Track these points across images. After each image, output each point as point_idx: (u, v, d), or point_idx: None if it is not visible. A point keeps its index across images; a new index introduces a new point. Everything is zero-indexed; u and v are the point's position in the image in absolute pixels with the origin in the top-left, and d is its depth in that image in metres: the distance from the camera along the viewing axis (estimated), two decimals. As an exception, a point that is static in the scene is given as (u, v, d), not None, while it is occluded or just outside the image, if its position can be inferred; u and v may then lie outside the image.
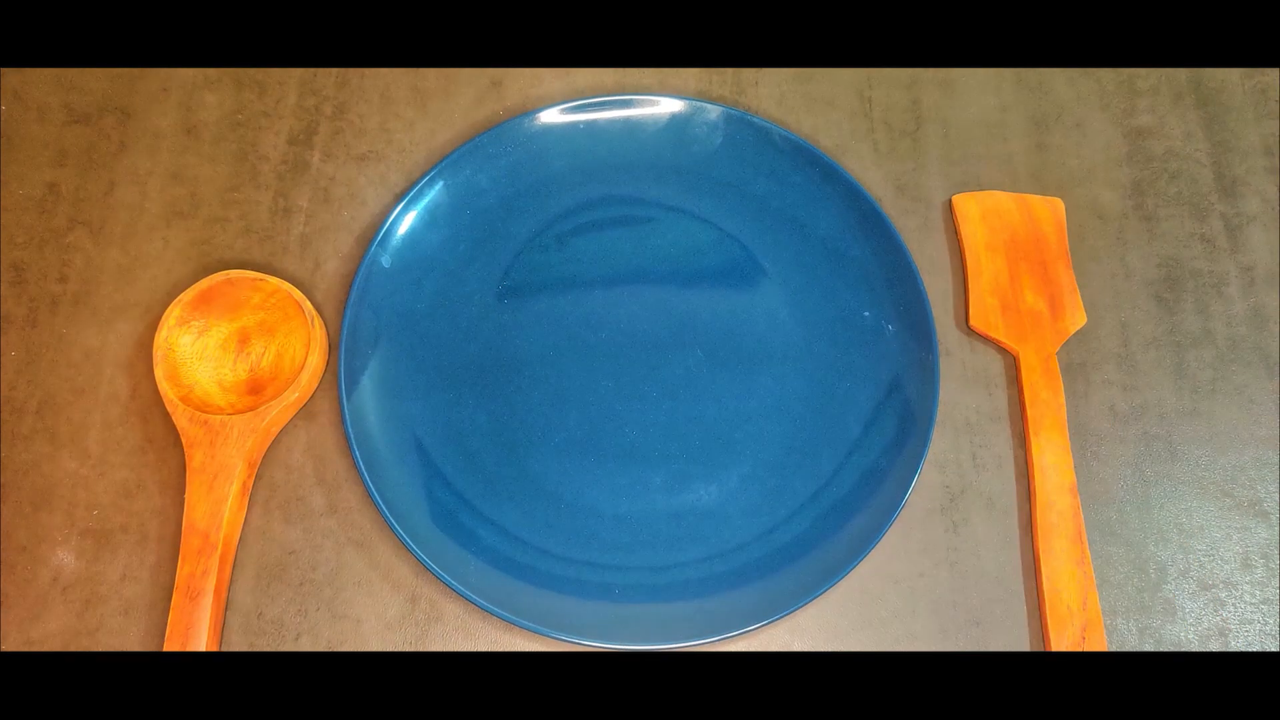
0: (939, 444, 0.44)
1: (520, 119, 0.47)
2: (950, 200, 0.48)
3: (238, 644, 0.40)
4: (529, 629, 0.39)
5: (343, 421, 0.42)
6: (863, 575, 0.42)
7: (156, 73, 0.50)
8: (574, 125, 0.48)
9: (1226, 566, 0.42)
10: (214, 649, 0.39)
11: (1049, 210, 0.47)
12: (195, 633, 0.38)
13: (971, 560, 0.42)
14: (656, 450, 0.43)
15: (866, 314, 0.45)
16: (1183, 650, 0.41)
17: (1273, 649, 0.41)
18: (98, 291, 0.45)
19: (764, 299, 0.46)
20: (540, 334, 0.45)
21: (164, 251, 0.46)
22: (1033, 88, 0.51)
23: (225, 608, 0.40)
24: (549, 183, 0.48)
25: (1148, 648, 0.41)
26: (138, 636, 0.40)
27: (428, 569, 0.40)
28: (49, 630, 0.40)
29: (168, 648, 0.38)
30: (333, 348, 0.44)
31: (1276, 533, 0.43)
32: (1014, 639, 0.41)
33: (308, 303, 0.43)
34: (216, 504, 0.40)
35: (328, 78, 0.50)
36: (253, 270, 0.44)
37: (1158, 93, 0.52)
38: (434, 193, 0.46)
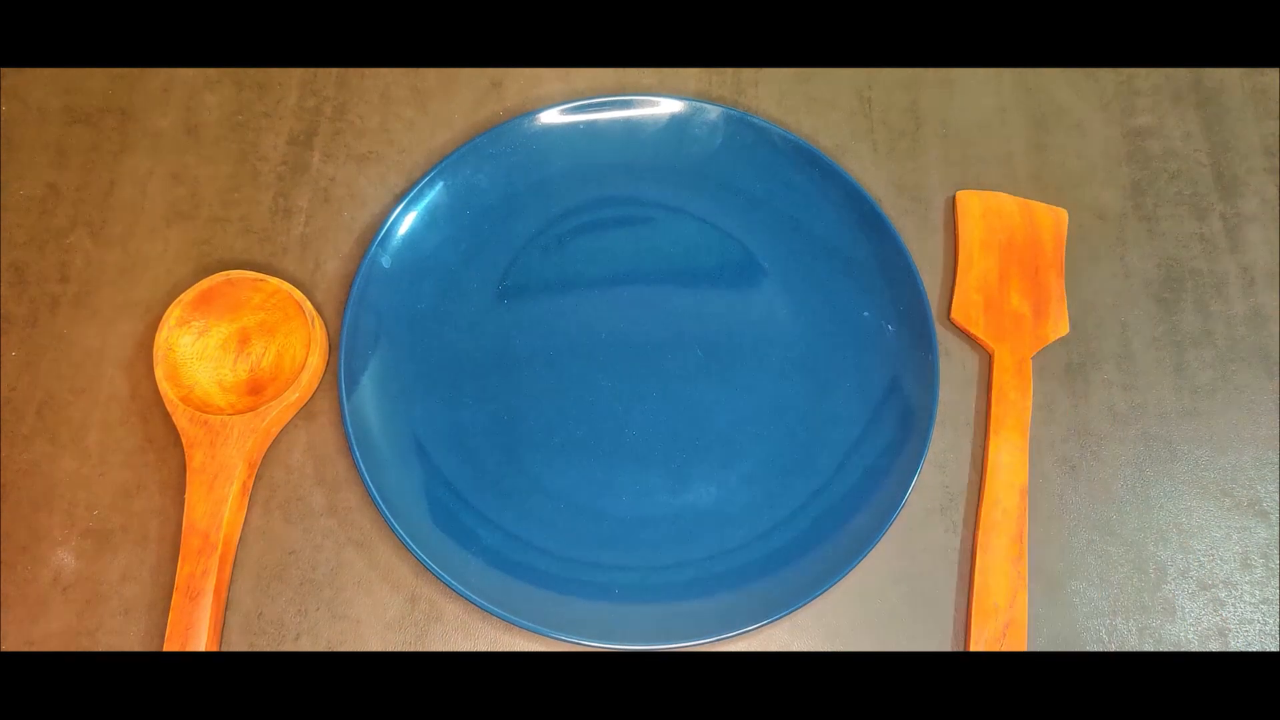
0: (939, 444, 0.44)
1: (520, 119, 0.47)
2: (954, 196, 0.48)
3: (238, 644, 0.40)
4: (529, 629, 0.39)
5: (343, 421, 0.42)
6: (863, 575, 0.42)
7: (157, 73, 0.50)
8: (574, 126, 0.48)
9: (1226, 566, 0.42)
10: (214, 649, 0.39)
11: (1051, 218, 0.48)
12: (195, 633, 0.38)
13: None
14: (656, 450, 0.43)
15: (866, 314, 0.46)
16: (1182, 650, 0.41)
17: (1272, 649, 0.41)
18: (98, 292, 0.45)
19: (764, 299, 0.46)
20: (540, 334, 0.45)
21: (164, 252, 0.46)
22: (1032, 88, 0.51)
23: (225, 608, 0.40)
24: (549, 183, 0.48)
25: (1147, 647, 0.41)
26: (138, 636, 0.40)
27: (427, 569, 0.40)
28: (49, 630, 0.40)
29: (168, 648, 0.38)
30: (333, 348, 0.45)
31: (1276, 533, 0.43)
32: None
33: (308, 303, 0.43)
34: (216, 504, 0.40)
35: (328, 78, 0.50)
36: (253, 271, 0.44)
37: (1158, 93, 0.52)
38: (434, 193, 0.46)
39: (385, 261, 0.45)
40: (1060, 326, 0.46)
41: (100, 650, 0.39)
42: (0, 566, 0.41)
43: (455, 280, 0.46)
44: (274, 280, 0.43)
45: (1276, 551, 0.43)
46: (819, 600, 0.41)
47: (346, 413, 0.42)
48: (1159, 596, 0.42)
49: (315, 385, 0.44)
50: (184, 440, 0.41)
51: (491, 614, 0.39)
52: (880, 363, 0.45)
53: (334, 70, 0.50)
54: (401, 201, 0.46)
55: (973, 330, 0.45)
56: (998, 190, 0.49)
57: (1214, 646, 0.41)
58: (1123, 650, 0.41)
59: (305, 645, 0.40)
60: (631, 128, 0.48)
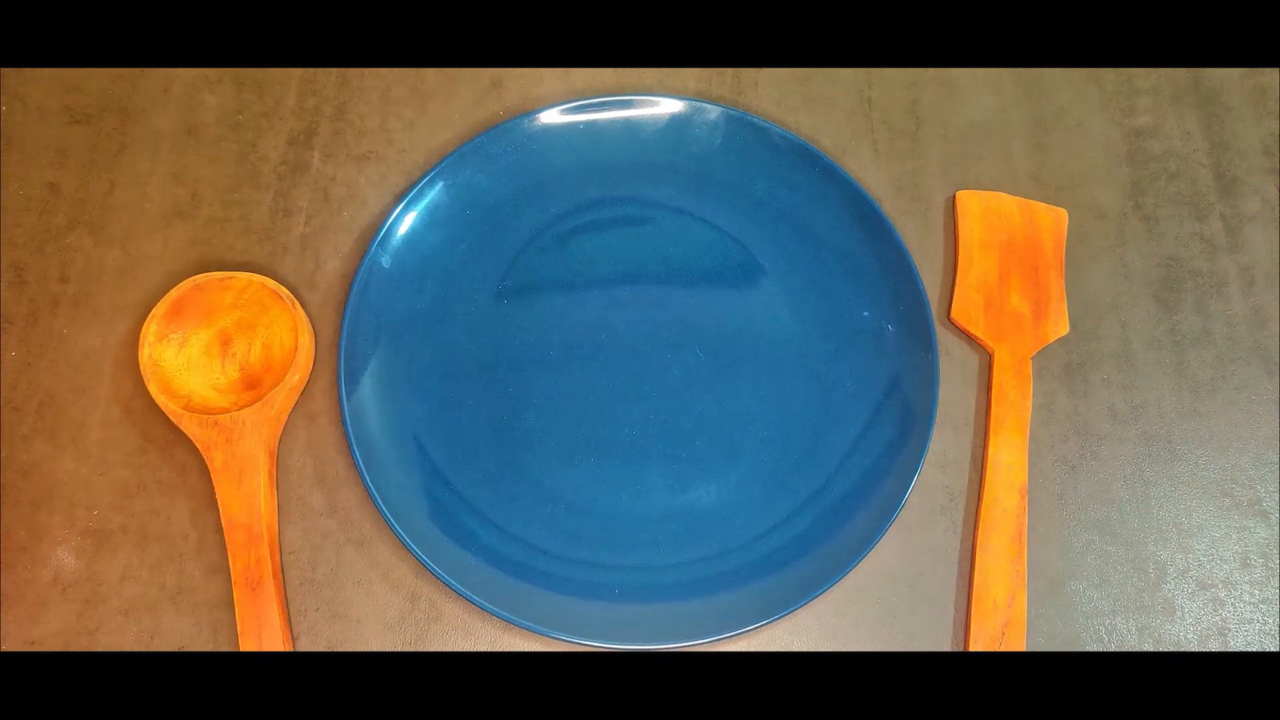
0: (939, 444, 0.44)
1: (520, 119, 0.47)
2: (954, 196, 0.48)
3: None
4: (528, 629, 0.39)
5: (343, 421, 0.42)
6: (863, 575, 0.42)
7: (157, 73, 0.50)
8: (574, 125, 0.48)
9: (1226, 566, 0.42)
10: (286, 634, 0.39)
11: (1051, 219, 0.48)
12: (267, 621, 0.39)
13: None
14: (656, 450, 0.43)
15: (866, 314, 0.46)
16: (1182, 650, 0.41)
17: (1272, 649, 0.41)
18: (98, 292, 0.45)
19: (764, 299, 0.46)
20: (540, 334, 0.45)
21: (164, 252, 0.46)
22: (1032, 88, 0.51)
23: (285, 590, 0.40)
24: (549, 183, 0.48)
25: (1147, 647, 0.41)
26: (138, 636, 0.40)
27: (427, 569, 0.40)
28: (49, 630, 0.40)
29: (243, 645, 0.38)
30: (333, 348, 0.45)
31: (1276, 533, 0.43)
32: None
33: (282, 287, 0.43)
34: (249, 496, 0.40)
35: (328, 78, 0.50)
36: (243, 271, 0.44)
37: (1158, 93, 0.52)
38: (434, 193, 0.46)
39: (385, 261, 0.45)
40: (1060, 326, 0.46)
41: (100, 650, 0.39)
42: (0, 566, 0.41)
43: (455, 280, 0.46)
44: (241, 275, 0.43)
45: (1276, 551, 0.43)
46: (819, 600, 0.41)
47: (346, 413, 0.42)
48: (1159, 596, 0.42)
49: (312, 363, 0.44)
50: (199, 445, 0.41)
51: (491, 614, 0.39)
52: (880, 363, 0.45)
53: (334, 70, 0.50)
54: (401, 201, 0.46)
55: (973, 330, 0.45)
56: (998, 190, 0.49)
57: (1214, 646, 0.41)
58: (1122, 650, 0.41)
59: (305, 645, 0.40)
60: (631, 128, 0.48)
